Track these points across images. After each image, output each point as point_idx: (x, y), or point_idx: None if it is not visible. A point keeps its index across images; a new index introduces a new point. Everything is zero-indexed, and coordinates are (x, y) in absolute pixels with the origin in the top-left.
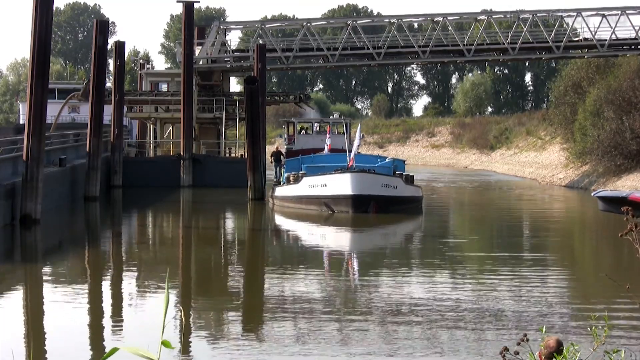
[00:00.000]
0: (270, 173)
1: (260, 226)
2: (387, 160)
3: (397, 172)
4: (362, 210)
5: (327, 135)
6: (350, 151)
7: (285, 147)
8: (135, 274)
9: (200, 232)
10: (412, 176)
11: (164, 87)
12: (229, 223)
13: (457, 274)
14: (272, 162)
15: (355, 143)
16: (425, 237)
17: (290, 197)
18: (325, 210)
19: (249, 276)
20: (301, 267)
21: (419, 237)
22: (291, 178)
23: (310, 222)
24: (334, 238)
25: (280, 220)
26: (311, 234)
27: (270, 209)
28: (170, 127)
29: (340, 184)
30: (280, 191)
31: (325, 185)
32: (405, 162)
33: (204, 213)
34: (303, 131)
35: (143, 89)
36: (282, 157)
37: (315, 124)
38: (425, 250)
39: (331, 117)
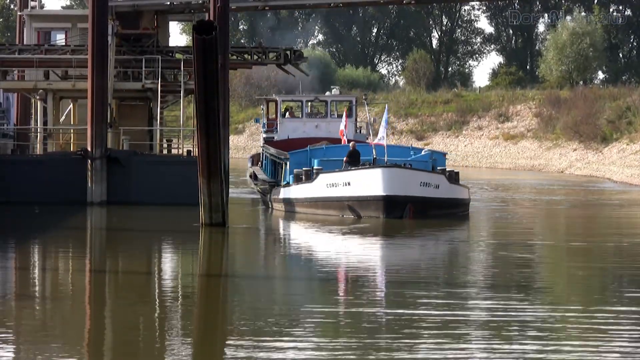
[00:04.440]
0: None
1: (221, 270)
2: (423, 152)
3: (437, 168)
4: (397, 215)
5: (344, 119)
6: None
7: (264, 135)
8: (12, 349)
9: (120, 280)
10: (457, 173)
11: (59, 38)
12: (168, 266)
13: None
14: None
15: (383, 126)
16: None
17: (302, 200)
18: (348, 215)
19: (201, 350)
20: (288, 325)
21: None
22: (302, 175)
23: (327, 231)
24: (353, 256)
25: (284, 229)
26: (324, 251)
27: (270, 214)
28: (71, 105)
29: (369, 182)
30: (287, 192)
31: (349, 183)
32: (447, 156)
33: (127, 249)
34: (288, 113)
35: (25, 42)
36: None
37: (307, 103)
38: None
39: (328, 92)
